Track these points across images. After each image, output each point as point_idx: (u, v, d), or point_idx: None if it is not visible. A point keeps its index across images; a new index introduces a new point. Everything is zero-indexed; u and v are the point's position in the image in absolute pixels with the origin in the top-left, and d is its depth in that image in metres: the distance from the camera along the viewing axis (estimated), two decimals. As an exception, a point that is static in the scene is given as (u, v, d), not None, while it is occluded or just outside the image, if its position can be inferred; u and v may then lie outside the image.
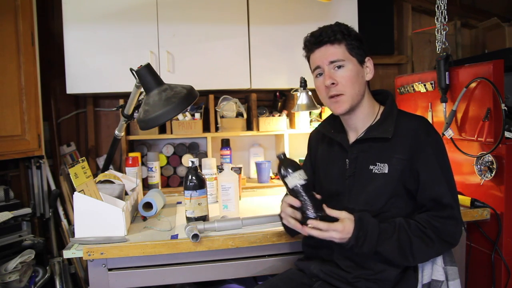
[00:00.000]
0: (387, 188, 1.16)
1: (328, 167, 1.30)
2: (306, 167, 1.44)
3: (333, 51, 1.18)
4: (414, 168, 1.15)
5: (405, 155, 1.15)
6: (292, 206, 1.15)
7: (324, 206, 1.13)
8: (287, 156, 1.18)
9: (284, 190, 1.22)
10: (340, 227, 1.09)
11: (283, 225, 1.31)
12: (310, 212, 1.11)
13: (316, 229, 1.10)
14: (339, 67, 1.18)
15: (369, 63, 1.23)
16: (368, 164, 1.19)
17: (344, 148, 1.26)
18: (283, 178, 1.14)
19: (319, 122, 1.39)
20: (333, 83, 1.18)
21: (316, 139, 1.41)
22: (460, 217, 1.16)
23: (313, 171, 1.40)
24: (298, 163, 1.17)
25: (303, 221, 1.12)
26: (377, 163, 1.18)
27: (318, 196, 1.15)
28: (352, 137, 1.27)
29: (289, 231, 1.35)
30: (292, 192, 1.14)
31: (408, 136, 1.17)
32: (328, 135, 1.32)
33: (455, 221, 1.14)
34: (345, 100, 1.19)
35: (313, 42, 1.21)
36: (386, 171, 1.16)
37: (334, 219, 1.11)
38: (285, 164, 1.14)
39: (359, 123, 1.25)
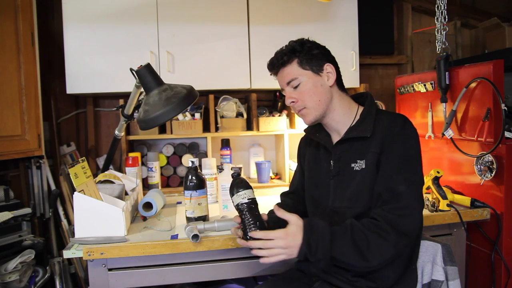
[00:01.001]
0: (366, 182, 1.17)
1: (315, 170, 1.33)
2: (297, 174, 1.48)
3: (287, 72, 1.24)
4: (381, 158, 1.16)
5: (378, 148, 1.17)
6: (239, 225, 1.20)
7: (275, 207, 1.15)
8: (239, 174, 1.26)
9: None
10: (282, 233, 1.07)
11: None
12: (248, 227, 1.14)
13: (258, 244, 1.09)
14: (296, 86, 1.23)
15: (329, 68, 1.24)
16: (350, 163, 1.21)
17: (328, 150, 1.28)
18: (231, 195, 1.21)
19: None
20: (293, 101, 1.24)
21: (304, 144, 1.45)
22: (416, 208, 1.11)
23: (304, 177, 1.41)
24: (248, 183, 1.22)
25: (244, 237, 1.16)
26: (357, 161, 1.20)
27: (264, 217, 1.19)
28: (335, 139, 1.30)
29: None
30: (236, 209, 1.19)
31: (384, 131, 1.18)
32: (314, 139, 1.35)
33: (409, 211, 1.09)
34: (308, 112, 1.24)
35: (270, 70, 1.29)
36: (364, 166, 1.18)
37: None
38: (235, 182, 1.21)
39: (338, 125, 1.27)
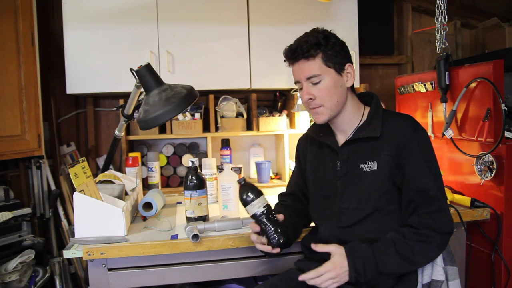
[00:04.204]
0: (378, 184, 1.18)
1: (319, 170, 1.32)
2: (295, 175, 1.47)
3: (309, 66, 1.18)
4: (400, 163, 1.17)
5: (392, 151, 1.17)
6: (256, 232, 1.21)
7: (313, 245, 1.17)
8: (245, 181, 1.23)
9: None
10: (330, 265, 1.11)
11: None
12: (272, 236, 1.15)
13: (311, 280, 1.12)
14: (316, 82, 1.19)
15: (350, 69, 1.22)
16: (359, 164, 1.21)
17: (334, 150, 1.27)
18: (243, 204, 1.19)
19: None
20: (310, 98, 1.20)
21: (304, 143, 1.43)
22: (448, 207, 1.18)
23: (303, 177, 1.41)
24: (258, 188, 1.20)
25: (270, 244, 1.17)
26: (367, 162, 1.20)
27: (280, 217, 1.20)
28: (341, 139, 1.29)
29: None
30: (253, 218, 1.18)
31: (395, 133, 1.18)
32: (317, 138, 1.33)
33: (444, 212, 1.15)
34: (324, 111, 1.21)
35: (289, 57, 1.22)
36: (376, 168, 1.18)
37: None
38: (245, 190, 1.18)
39: (346, 126, 1.26)
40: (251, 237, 1.22)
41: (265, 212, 1.16)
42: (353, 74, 1.23)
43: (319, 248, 1.15)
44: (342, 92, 1.21)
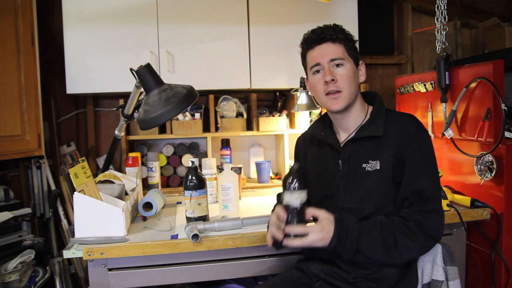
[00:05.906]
0: (380, 184, 1.18)
1: (321, 169, 1.32)
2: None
3: (334, 49, 1.20)
4: (402, 161, 1.17)
5: (394, 151, 1.17)
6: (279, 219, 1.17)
7: (310, 208, 1.14)
8: (300, 168, 1.17)
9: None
10: (318, 227, 1.10)
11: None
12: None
13: (295, 237, 1.09)
14: (338, 65, 1.20)
15: (362, 66, 1.28)
16: (361, 163, 1.21)
17: (336, 149, 1.27)
18: (284, 188, 1.15)
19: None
20: (333, 79, 1.19)
21: (304, 143, 1.43)
22: (442, 211, 1.16)
23: (304, 177, 1.40)
24: (306, 181, 1.16)
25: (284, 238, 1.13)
26: (370, 161, 1.20)
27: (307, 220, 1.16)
28: (343, 138, 1.28)
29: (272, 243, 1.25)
30: (285, 207, 1.14)
31: (398, 132, 1.19)
32: (318, 137, 1.33)
33: (437, 214, 1.14)
34: (343, 97, 1.20)
35: (314, 39, 1.22)
36: (378, 167, 1.18)
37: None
38: (295, 177, 1.14)
39: (351, 123, 1.26)
40: (271, 219, 1.19)
41: (299, 208, 1.13)
42: (363, 72, 1.28)
43: (310, 211, 1.14)
44: (357, 83, 1.24)
